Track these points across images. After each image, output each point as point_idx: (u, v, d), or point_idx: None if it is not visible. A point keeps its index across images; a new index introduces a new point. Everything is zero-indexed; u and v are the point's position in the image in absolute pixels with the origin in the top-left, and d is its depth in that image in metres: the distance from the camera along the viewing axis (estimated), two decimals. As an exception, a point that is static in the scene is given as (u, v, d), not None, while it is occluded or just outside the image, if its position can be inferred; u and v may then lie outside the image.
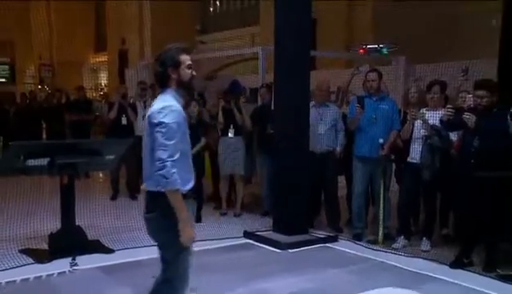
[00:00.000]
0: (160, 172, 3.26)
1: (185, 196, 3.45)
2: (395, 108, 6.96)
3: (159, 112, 3.34)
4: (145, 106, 9.62)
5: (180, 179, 3.34)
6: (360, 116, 6.77)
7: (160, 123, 3.31)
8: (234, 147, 8.20)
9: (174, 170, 3.26)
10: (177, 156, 3.31)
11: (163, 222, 3.43)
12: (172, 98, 3.46)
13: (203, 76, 13.68)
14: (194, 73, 3.57)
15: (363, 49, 8.29)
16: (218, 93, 9.13)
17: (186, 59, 3.52)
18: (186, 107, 8.17)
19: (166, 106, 3.36)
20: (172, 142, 3.29)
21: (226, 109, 8.29)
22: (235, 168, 8.26)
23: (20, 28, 26.92)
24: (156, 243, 3.58)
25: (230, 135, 8.19)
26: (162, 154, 3.26)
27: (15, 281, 5.27)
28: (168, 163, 3.26)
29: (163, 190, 3.35)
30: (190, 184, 3.56)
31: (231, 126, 8.18)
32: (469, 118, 5.43)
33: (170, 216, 3.36)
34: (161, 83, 3.54)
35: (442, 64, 8.59)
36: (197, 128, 7.96)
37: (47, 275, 5.49)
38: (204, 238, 6.88)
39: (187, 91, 3.66)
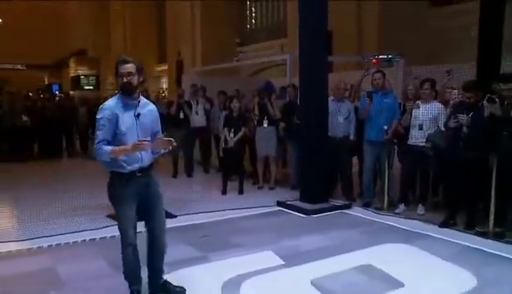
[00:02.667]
0: (96, 156, 3.48)
1: (135, 174, 3.55)
2: (396, 101, 6.92)
3: (98, 111, 3.52)
4: (198, 103, 9.76)
5: (124, 162, 3.48)
6: (369, 107, 6.76)
7: (96, 119, 3.49)
8: (268, 135, 8.24)
9: (101, 149, 3.42)
10: (103, 138, 3.43)
11: (109, 194, 3.64)
12: (114, 99, 3.57)
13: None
14: (125, 79, 3.49)
15: (376, 60, 8.21)
16: (253, 91, 9.18)
17: (121, 68, 3.52)
18: (229, 103, 8.34)
19: (102, 105, 3.52)
20: (100, 132, 3.44)
21: (261, 104, 8.35)
22: (268, 151, 8.32)
23: (104, 47, 27.51)
24: None
25: (265, 125, 8.24)
26: (94, 143, 3.47)
27: (105, 237, 5.48)
28: (95, 147, 3.45)
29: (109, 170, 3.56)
30: (137, 165, 3.56)
31: (266, 118, 8.24)
32: (463, 119, 5.50)
33: (112, 188, 3.59)
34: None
35: (433, 66, 8.53)
36: (238, 120, 8.06)
37: (128, 234, 5.70)
38: (245, 207, 7.03)
39: (126, 94, 3.54)
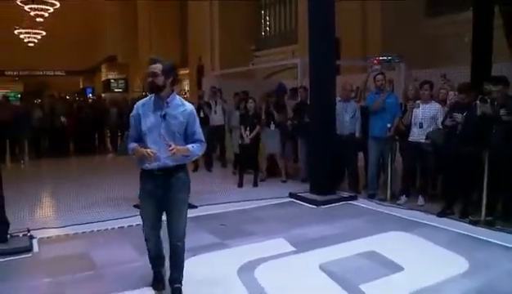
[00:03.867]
0: None
1: (153, 173, 3.35)
2: (398, 101, 6.90)
3: None
4: (216, 104, 9.80)
5: (142, 160, 3.35)
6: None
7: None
8: (274, 135, 8.21)
9: (128, 145, 3.43)
10: (131, 136, 3.44)
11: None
12: (147, 98, 3.43)
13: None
14: (149, 79, 3.32)
15: (377, 60, 8.15)
16: (265, 94, 9.15)
17: (148, 68, 3.35)
18: (244, 103, 8.32)
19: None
20: (130, 129, 3.47)
21: (268, 112, 8.32)
22: (275, 149, 8.29)
23: (132, 54, 27.81)
24: None
25: (272, 128, 8.18)
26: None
27: (132, 225, 5.47)
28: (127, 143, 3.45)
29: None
30: (155, 164, 3.32)
31: (272, 122, 8.21)
32: (458, 118, 5.56)
33: (140, 180, 3.47)
34: None
35: (431, 70, 8.49)
36: (253, 119, 8.06)
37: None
38: (259, 198, 7.05)
39: (151, 92, 3.40)
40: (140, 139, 3.39)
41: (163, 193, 3.39)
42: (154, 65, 3.31)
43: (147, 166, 3.34)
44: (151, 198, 3.42)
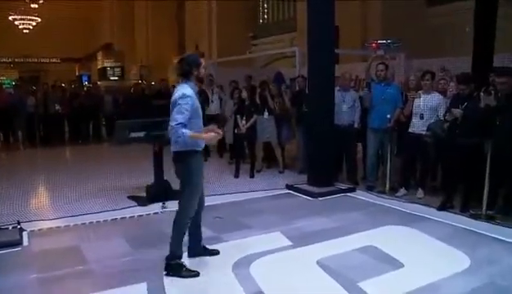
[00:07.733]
0: (173, 135, 3.59)
1: (200, 151, 3.84)
2: (399, 91, 6.75)
3: (179, 97, 3.60)
4: (213, 93, 9.63)
5: (195, 142, 3.71)
6: (369, 96, 6.71)
7: (177, 104, 3.59)
8: (267, 123, 8.04)
9: (181, 130, 3.51)
10: (183, 122, 3.54)
11: (183, 169, 3.78)
12: (188, 88, 3.68)
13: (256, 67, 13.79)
14: (206, 72, 3.91)
15: (375, 44, 7.95)
16: (260, 82, 8.98)
17: (202, 61, 3.85)
18: (238, 92, 8.18)
19: (184, 92, 3.62)
20: (181, 115, 3.53)
21: (262, 95, 8.14)
22: (270, 138, 8.12)
23: (128, 42, 27.54)
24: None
25: (265, 116, 7.99)
26: (171, 122, 3.55)
27: (125, 217, 5.45)
28: (175, 127, 3.52)
29: (179, 150, 3.70)
30: (203, 145, 3.87)
31: (266, 109, 8.04)
32: (456, 113, 5.47)
33: (186, 166, 3.75)
34: (184, 77, 3.74)
35: (432, 59, 8.36)
36: (250, 108, 7.90)
37: (146, 214, 5.63)
38: (256, 189, 6.95)
39: (200, 82, 3.95)
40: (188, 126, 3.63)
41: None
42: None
43: (198, 147, 3.79)
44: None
